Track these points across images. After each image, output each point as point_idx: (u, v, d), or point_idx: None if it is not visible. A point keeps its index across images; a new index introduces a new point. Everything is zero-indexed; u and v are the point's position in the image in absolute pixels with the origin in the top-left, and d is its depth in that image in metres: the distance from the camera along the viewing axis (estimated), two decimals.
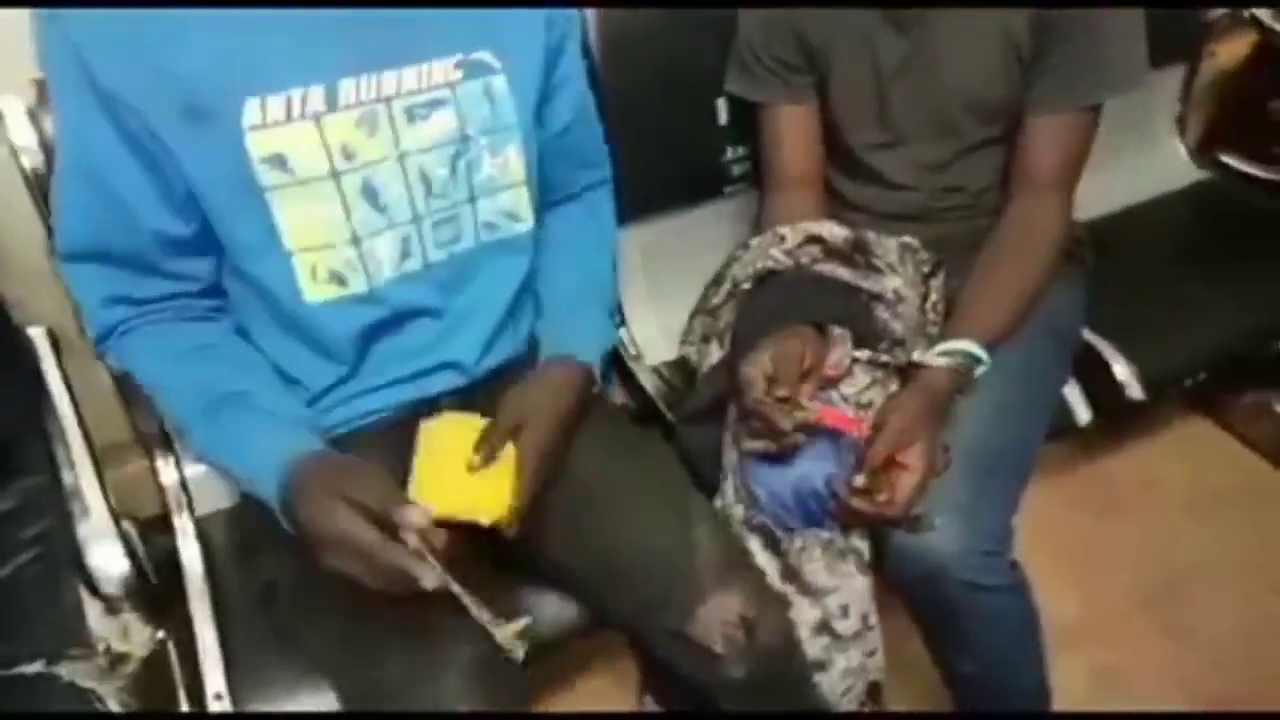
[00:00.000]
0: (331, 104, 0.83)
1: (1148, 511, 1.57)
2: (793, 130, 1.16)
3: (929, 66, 1.07)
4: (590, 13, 1.20)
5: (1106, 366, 1.26)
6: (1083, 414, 1.24)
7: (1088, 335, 1.27)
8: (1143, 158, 1.58)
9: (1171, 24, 1.51)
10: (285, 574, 0.89)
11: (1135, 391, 1.26)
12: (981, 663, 1.05)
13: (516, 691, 0.84)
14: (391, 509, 0.74)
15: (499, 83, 0.90)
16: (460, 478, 0.84)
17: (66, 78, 0.78)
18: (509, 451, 0.87)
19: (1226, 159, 1.64)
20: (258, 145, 0.81)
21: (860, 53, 1.09)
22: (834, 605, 0.95)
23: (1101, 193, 1.43)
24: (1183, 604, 1.44)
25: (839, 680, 0.96)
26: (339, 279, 0.88)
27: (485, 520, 0.83)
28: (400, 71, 0.85)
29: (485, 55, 0.89)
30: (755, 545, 0.97)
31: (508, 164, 0.93)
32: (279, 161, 0.82)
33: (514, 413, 0.88)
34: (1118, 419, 1.36)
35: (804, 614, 0.95)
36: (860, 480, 0.90)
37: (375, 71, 0.84)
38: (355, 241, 0.87)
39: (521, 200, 0.96)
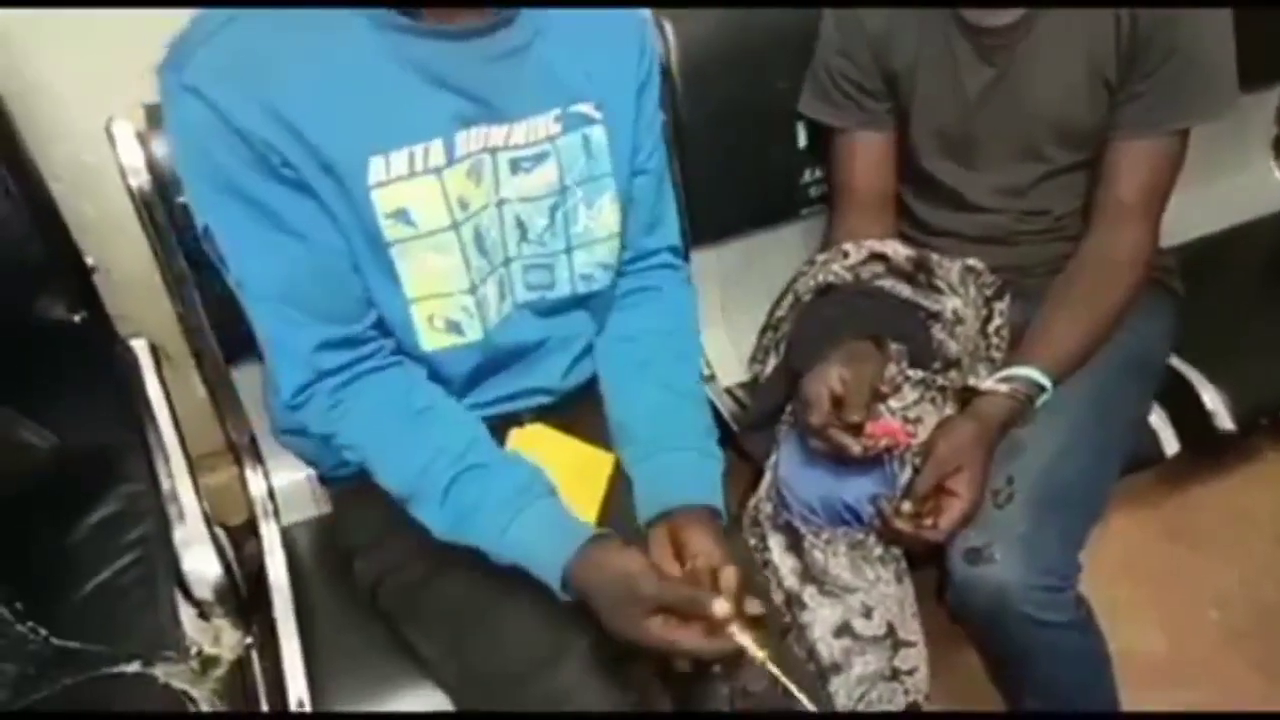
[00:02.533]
0: (450, 157, 0.84)
1: (1238, 545, 1.52)
2: (867, 156, 1.16)
3: (1014, 93, 1.06)
4: (671, 36, 1.21)
5: (1195, 396, 1.23)
6: (1170, 444, 1.21)
7: (1176, 363, 1.24)
8: (1236, 181, 1.54)
9: (1266, 44, 1.47)
10: (386, 579, 0.91)
11: (1225, 422, 1.22)
12: (1047, 700, 1.02)
13: (633, 686, 0.84)
14: (696, 605, 0.74)
15: (597, 133, 0.91)
16: None
17: (207, 124, 0.78)
18: (599, 479, 0.89)
19: None
20: (383, 201, 0.82)
21: (945, 80, 1.09)
22: (856, 604, 0.96)
23: (1193, 217, 1.40)
24: (1274, 640, 1.39)
25: (855, 685, 0.96)
26: (455, 327, 0.89)
27: None
28: (509, 126, 0.87)
29: (585, 107, 0.90)
30: (776, 544, 0.98)
31: (602, 214, 0.94)
32: (403, 215, 0.83)
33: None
34: (1207, 450, 1.32)
35: (822, 616, 0.95)
36: (907, 506, 0.91)
37: (486, 125, 0.86)
38: (471, 289, 0.89)
39: (615, 251, 0.96)
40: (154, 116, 1.02)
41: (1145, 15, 0.98)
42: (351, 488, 0.95)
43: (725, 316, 1.37)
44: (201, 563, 0.92)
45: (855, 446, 0.92)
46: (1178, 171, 1.07)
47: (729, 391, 1.31)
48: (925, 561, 0.98)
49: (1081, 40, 1.02)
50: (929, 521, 0.91)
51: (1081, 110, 1.05)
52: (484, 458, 0.86)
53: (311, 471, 1.07)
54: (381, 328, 0.89)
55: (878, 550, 0.96)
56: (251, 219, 0.81)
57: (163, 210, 1.03)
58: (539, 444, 0.97)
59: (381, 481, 0.87)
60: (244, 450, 1.14)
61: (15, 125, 1.09)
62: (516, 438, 0.97)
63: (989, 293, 1.11)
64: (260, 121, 0.78)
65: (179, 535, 0.94)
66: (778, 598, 0.99)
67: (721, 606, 0.73)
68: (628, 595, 0.76)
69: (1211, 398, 1.22)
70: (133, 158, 1.02)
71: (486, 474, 0.85)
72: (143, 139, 1.02)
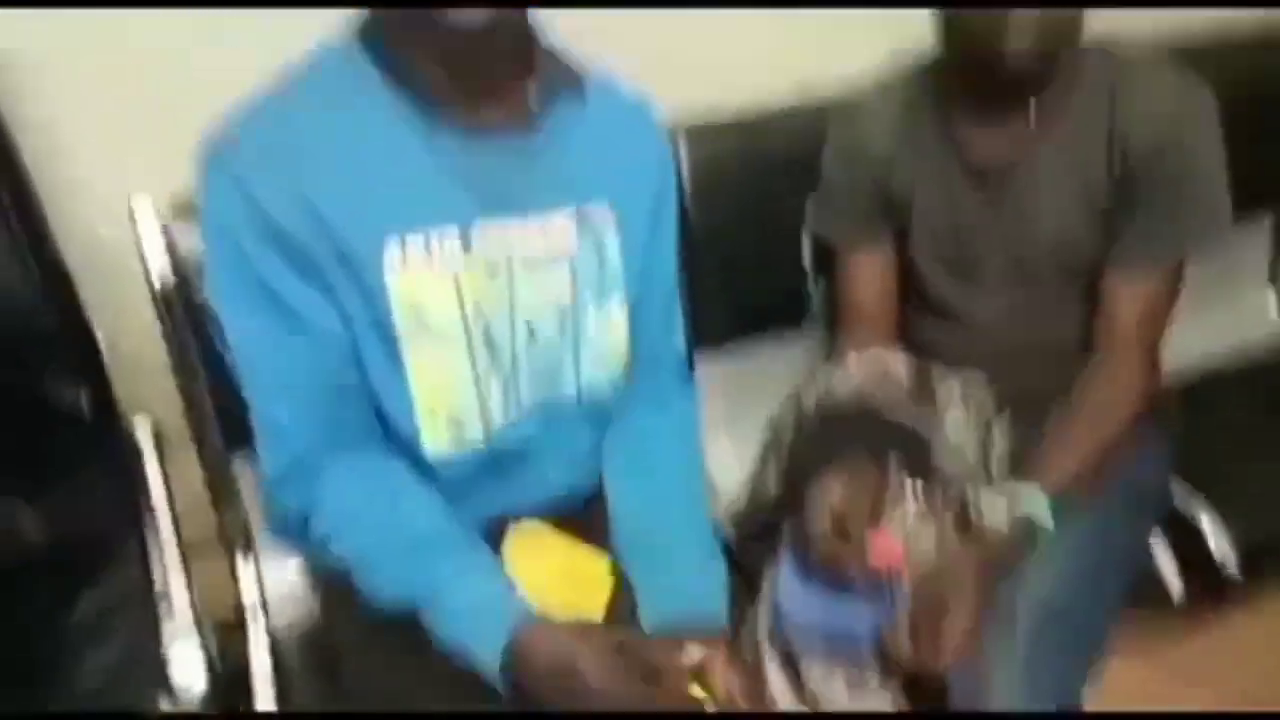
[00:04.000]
0: (465, 248, 0.86)
1: (1247, 693, 1.46)
2: (868, 274, 1.18)
3: (1012, 221, 1.09)
4: (684, 150, 1.25)
5: (1199, 534, 1.22)
6: (1175, 585, 1.20)
7: (1179, 501, 1.24)
8: (1231, 310, 1.57)
9: (1257, 172, 1.51)
10: (367, 685, 0.90)
11: (1231, 561, 1.21)
12: None
13: None
14: (665, 656, 0.79)
15: (611, 242, 0.93)
16: (547, 602, 0.86)
17: (239, 210, 0.81)
18: (600, 588, 0.88)
19: None
20: (398, 292, 0.84)
21: (943, 207, 1.12)
22: None
23: (1191, 346, 1.41)
24: None
25: None
26: (458, 424, 0.90)
27: None
28: (526, 220, 0.89)
29: (601, 211, 0.93)
30: (771, 660, 0.96)
31: (611, 323, 0.95)
32: (416, 309, 0.85)
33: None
34: (1213, 590, 1.30)
35: None
36: (905, 633, 0.90)
37: (503, 217, 0.87)
38: (476, 387, 0.90)
39: (622, 358, 0.98)
40: (178, 207, 1.05)
41: (1137, 142, 1.02)
42: (340, 588, 0.94)
43: (727, 423, 1.37)
44: (187, 665, 0.91)
45: (855, 565, 0.91)
46: (1175, 301, 1.09)
47: (729, 500, 1.30)
48: (925, 696, 0.96)
49: (1076, 168, 1.05)
50: (928, 650, 0.89)
51: (1078, 238, 1.08)
52: (447, 536, 0.87)
53: (303, 568, 1.06)
54: (372, 415, 0.90)
55: (874, 681, 0.95)
56: (264, 305, 0.83)
57: (179, 298, 1.05)
58: (537, 542, 0.97)
59: (339, 550, 0.87)
60: (238, 546, 1.13)
61: (39, 198, 1.12)
62: (515, 534, 0.96)
63: (989, 411, 1.11)
64: (287, 209, 0.81)
65: (167, 632, 0.93)
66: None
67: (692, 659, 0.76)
68: (573, 663, 0.77)
69: (1217, 537, 1.22)
70: (155, 243, 1.05)
71: (446, 551, 0.85)
72: (166, 224, 1.05)
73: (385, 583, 0.85)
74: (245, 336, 0.85)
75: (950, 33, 1.02)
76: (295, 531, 0.91)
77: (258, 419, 0.88)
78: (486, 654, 0.79)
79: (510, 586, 0.85)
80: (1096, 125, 1.04)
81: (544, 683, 0.78)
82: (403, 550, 0.85)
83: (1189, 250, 1.06)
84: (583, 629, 0.83)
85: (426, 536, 0.86)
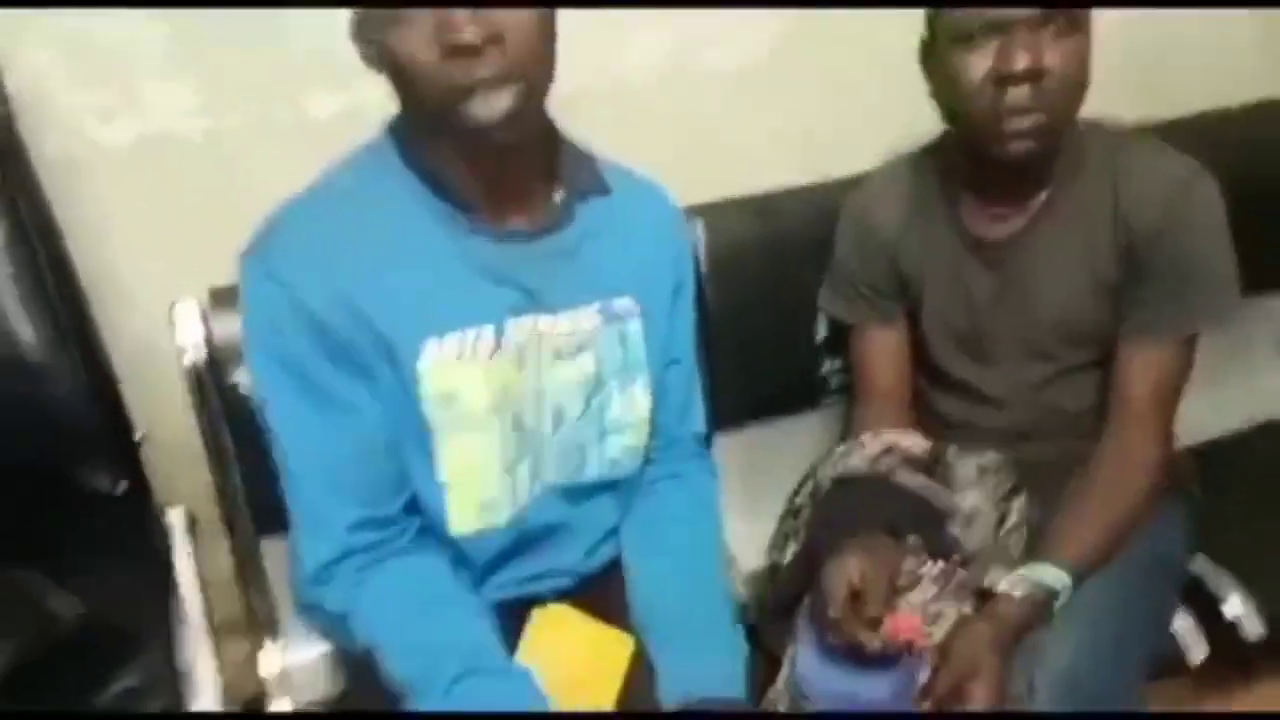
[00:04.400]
0: (498, 344, 0.89)
1: None
2: (882, 350, 1.21)
3: (1020, 298, 1.11)
4: (701, 232, 1.29)
5: (1216, 603, 1.21)
6: (1196, 652, 1.18)
7: (1200, 568, 1.22)
8: (1247, 384, 1.56)
9: (1268, 250, 1.53)
10: None
11: (1254, 627, 1.20)
12: None
13: None
14: None
15: (634, 328, 0.97)
16: (567, 686, 0.87)
17: (278, 305, 0.84)
18: (618, 665, 0.89)
19: None
20: (431, 384, 0.87)
21: (952, 285, 1.14)
22: None
23: (1209, 418, 1.41)
24: None
25: None
26: (487, 508, 0.92)
27: None
28: (556, 316, 0.92)
29: (624, 302, 0.96)
30: None
31: (634, 402, 0.98)
32: (449, 399, 0.88)
33: None
34: (1236, 658, 1.29)
35: None
36: (925, 708, 0.90)
37: (534, 315, 0.91)
38: (506, 473, 0.92)
39: (644, 437, 1.00)
40: (217, 298, 1.09)
41: (1139, 224, 1.04)
42: (366, 667, 0.95)
43: (746, 501, 1.37)
44: None
45: (874, 641, 0.92)
46: (1187, 375, 1.10)
47: (748, 579, 1.31)
48: None
49: (1081, 248, 1.07)
50: None
51: (1086, 314, 1.09)
52: (492, 662, 0.88)
53: (328, 649, 1.07)
54: (411, 509, 0.92)
55: None
56: (307, 397, 0.86)
57: (214, 387, 1.09)
58: (561, 624, 0.98)
59: (385, 666, 0.88)
60: (265, 625, 1.15)
61: (84, 294, 1.17)
62: (539, 617, 0.97)
63: (1005, 489, 1.12)
64: (330, 305, 0.84)
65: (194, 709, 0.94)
66: None
67: None
68: None
69: (1237, 603, 1.20)
70: (192, 336, 1.09)
71: (491, 679, 0.86)
72: (205, 317, 1.10)
73: (429, 706, 0.86)
74: (289, 433, 0.88)
75: (951, 115, 1.05)
76: (328, 622, 0.93)
77: (297, 508, 0.90)
78: None
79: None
80: (1101, 203, 1.06)
81: None
82: (446, 676, 0.85)
83: (1197, 326, 1.07)
84: None
85: (468, 658, 0.86)
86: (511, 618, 0.97)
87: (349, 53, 0.85)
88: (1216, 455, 1.42)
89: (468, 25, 0.76)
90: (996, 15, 0.95)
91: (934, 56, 1.03)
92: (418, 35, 0.78)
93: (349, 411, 0.87)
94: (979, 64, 0.97)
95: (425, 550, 0.93)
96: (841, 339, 1.28)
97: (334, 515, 0.88)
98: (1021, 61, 0.95)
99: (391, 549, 0.90)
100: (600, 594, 1.01)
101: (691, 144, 1.39)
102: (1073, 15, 0.96)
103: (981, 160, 1.05)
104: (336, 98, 1.22)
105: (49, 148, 1.15)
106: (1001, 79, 0.96)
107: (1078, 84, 1.00)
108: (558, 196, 0.93)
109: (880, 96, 1.36)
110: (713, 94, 1.41)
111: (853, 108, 1.45)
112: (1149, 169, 1.06)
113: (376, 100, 0.88)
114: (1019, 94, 0.96)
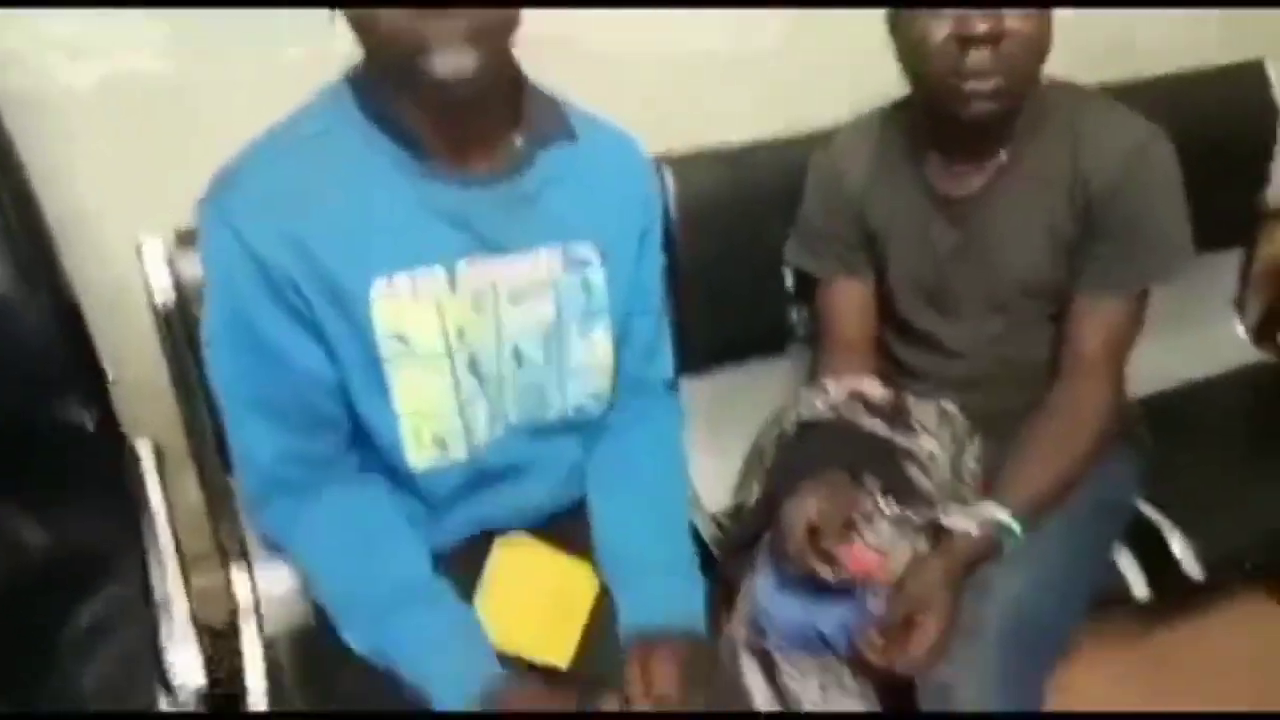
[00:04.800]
0: (451, 285, 0.90)
1: (1208, 695, 1.49)
2: (848, 302, 1.24)
3: (981, 252, 1.14)
4: (670, 183, 1.30)
5: (1164, 542, 1.26)
6: (1139, 589, 1.23)
7: (1147, 510, 1.28)
8: (1198, 337, 1.61)
9: (1228, 209, 1.57)
10: (360, 696, 0.92)
11: (1194, 569, 1.25)
12: None
13: None
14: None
15: (596, 275, 0.98)
16: (532, 617, 0.90)
17: (229, 250, 0.86)
18: (584, 598, 0.92)
19: None
20: (383, 321, 0.88)
21: (917, 238, 1.17)
22: None
23: (1160, 369, 1.46)
24: None
25: None
26: (441, 444, 0.94)
27: (547, 662, 0.88)
28: (511, 257, 0.93)
29: (585, 247, 0.97)
30: (750, 668, 1.01)
31: (595, 347, 1.00)
32: (400, 338, 0.89)
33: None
34: (1176, 595, 1.34)
35: None
36: (876, 637, 0.94)
37: (488, 255, 0.92)
38: (460, 411, 0.94)
39: (606, 382, 1.02)
40: (182, 238, 1.09)
41: (1097, 183, 1.07)
42: None
43: (713, 444, 1.41)
44: (187, 671, 0.94)
45: (828, 573, 0.96)
46: (1137, 329, 1.13)
47: (713, 518, 1.34)
48: (895, 696, 1.00)
49: (1040, 206, 1.11)
50: (900, 653, 0.93)
51: (1044, 269, 1.13)
52: (427, 594, 0.91)
53: (297, 581, 1.09)
54: (350, 446, 0.95)
55: (849, 681, 0.98)
56: (249, 343, 0.88)
57: (181, 325, 1.10)
58: (525, 554, 1.00)
59: (317, 594, 0.93)
60: (233, 555, 1.17)
61: (49, 230, 1.16)
62: (502, 545, 1.00)
63: (962, 434, 1.16)
64: (281, 252, 0.85)
65: (165, 639, 0.96)
66: None
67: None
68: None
69: (1180, 546, 1.25)
70: (160, 276, 1.10)
71: (425, 610, 0.90)
72: (171, 259, 1.10)
73: (358, 636, 0.91)
74: (229, 372, 0.91)
75: (914, 77, 1.07)
76: (281, 547, 0.96)
77: (235, 446, 0.94)
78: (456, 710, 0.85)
79: (480, 644, 0.90)
80: (1060, 162, 1.09)
81: None
82: (375, 606, 0.90)
83: (1149, 282, 1.11)
84: (548, 694, 0.88)
85: (398, 590, 0.90)
86: (473, 549, 0.99)
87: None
88: (1167, 405, 1.48)
89: None
90: None
91: (899, 20, 1.05)
92: None
93: (285, 354, 0.89)
94: (940, 28, 0.99)
95: (365, 485, 0.96)
96: (809, 288, 1.31)
97: (263, 446, 0.92)
98: (981, 25, 0.97)
99: (327, 480, 0.94)
100: (565, 533, 1.03)
101: (665, 96, 1.39)
102: None
103: (944, 120, 1.08)
104: (304, 44, 1.22)
105: (12, 84, 1.14)
106: (963, 41, 0.98)
107: (1038, 47, 1.02)
108: (519, 141, 0.93)
109: (851, 54, 1.36)
110: (687, 51, 1.42)
111: (824, 64, 1.45)
112: (1107, 130, 1.08)
113: (343, 47, 0.87)
114: (979, 56, 0.99)
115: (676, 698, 0.88)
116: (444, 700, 0.86)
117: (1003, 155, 1.11)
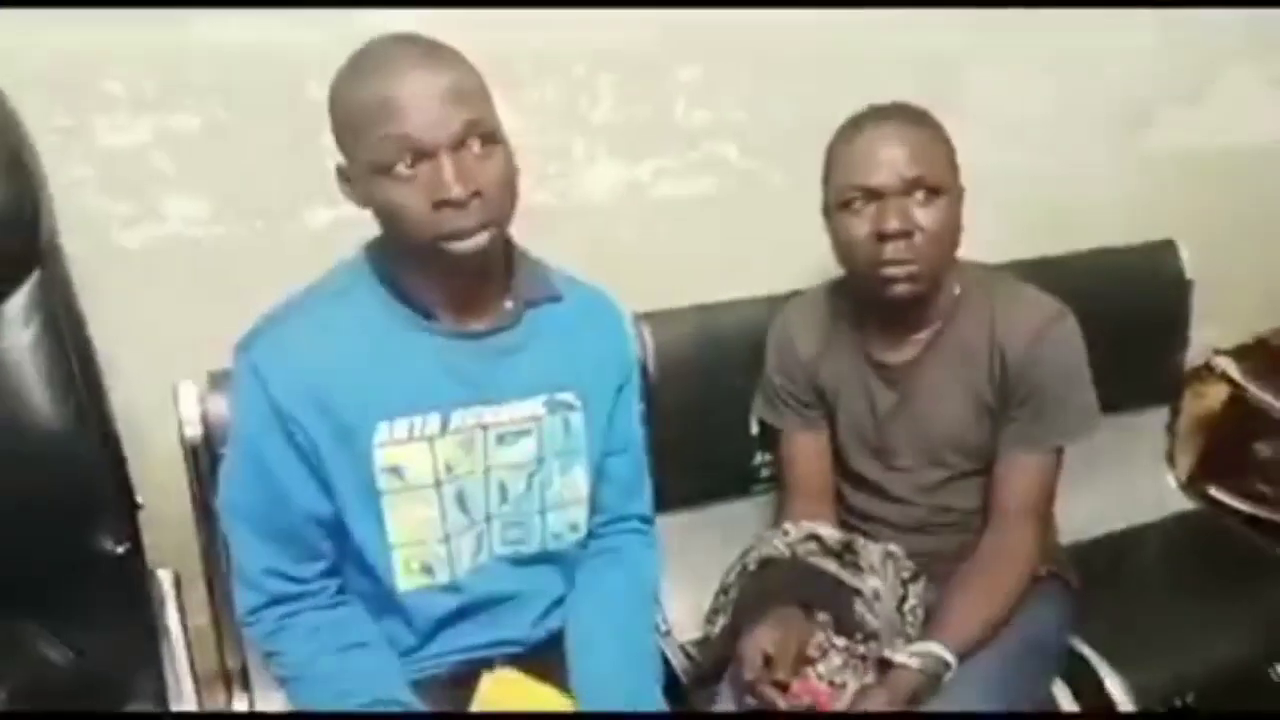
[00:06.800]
0: (444, 429, 1.04)
1: None
2: (806, 452, 1.37)
3: (915, 413, 1.29)
4: (649, 339, 1.46)
5: (1098, 680, 1.35)
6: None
7: (1082, 648, 1.37)
8: (1133, 488, 1.72)
9: (1153, 370, 1.72)
10: None
11: (1125, 702, 1.33)
12: None
13: None
14: None
15: (575, 418, 1.11)
16: None
17: (253, 394, 1.00)
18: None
19: (1215, 493, 1.79)
20: (383, 458, 1.02)
21: (861, 399, 1.32)
22: None
23: (1098, 518, 1.59)
24: None
25: None
26: (428, 570, 1.06)
27: None
28: (499, 407, 1.06)
29: (568, 396, 1.10)
30: None
31: (575, 482, 1.12)
32: (396, 471, 1.03)
33: None
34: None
35: None
36: None
37: (479, 405, 1.05)
38: (445, 540, 1.06)
39: (583, 514, 1.14)
40: (214, 381, 1.23)
41: (1012, 356, 1.22)
42: None
43: (684, 577, 1.49)
44: None
45: (781, 702, 1.06)
46: (1055, 480, 1.27)
47: (682, 647, 1.43)
48: None
49: (964, 373, 1.26)
50: None
51: (970, 429, 1.27)
52: (401, 698, 1.01)
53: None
54: (329, 574, 1.07)
55: None
56: (257, 470, 1.01)
57: (207, 458, 1.22)
58: (512, 688, 1.08)
59: (296, 700, 1.03)
60: (234, 680, 1.25)
61: (101, 374, 1.28)
62: (488, 680, 1.08)
63: (906, 575, 1.26)
64: (296, 399, 0.99)
65: None
66: None
67: None
68: None
69: (1112, 682, 1.34)
70: (191, 414, 1.22)
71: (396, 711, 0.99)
72: (202, 398, 1.22)
73: None
74: (237, 495, 1.04)
75: (844, 264, 1.24)
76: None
77: (234, 557, 1.06)
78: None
79: None
80: (980, 336, 1.25)
81: None
82: (353, 703, 1.00)
83: (1061, 442, 1.25)
84: None
85: (374, 704, 1.00)
86: (463, 684, 1.08)
87: None
88: (1104, 551, 1.59)
89: (455, 184, 0.92)
90: (871, 185, 1.15)
91: (830, 219, 1.23)
92: (409, 189, 0.92)
93: (288, 491, 1.02)
94: (860, 225, 1.17)
95: (346, 604, 1.07)
96: (773, 435, 1.44)
97: (258, 566, 1.04)
98: (894, 223, 1.14)
99: (310, 604, 1.06)
100: (548, 662, 1.12)
101: (643, 260, 1.57)
102: (935, 183, 1.16)
103: (872, 300, 1.24)
104: (329, 211, 1.40)
105: (74, 247, 1.29)
106: (880, 236, 1.15)
107: (948, 237, 1.19)
108: (509, 303, 1.08)
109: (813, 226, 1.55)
110: (664, 219, 1.61)
111: (787, 236, 1.62)
112: (1017, 308, 1.25)
113: (364, 215, 1.02)
114: (895, 248, 1.16)
115: None
116: None
117: (929, 330, 1.27)
